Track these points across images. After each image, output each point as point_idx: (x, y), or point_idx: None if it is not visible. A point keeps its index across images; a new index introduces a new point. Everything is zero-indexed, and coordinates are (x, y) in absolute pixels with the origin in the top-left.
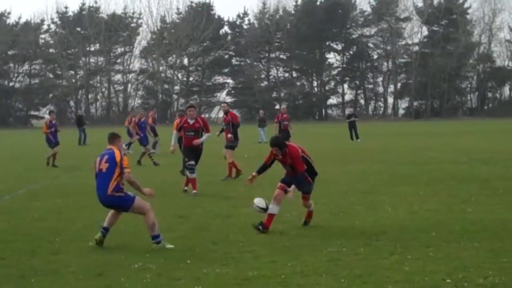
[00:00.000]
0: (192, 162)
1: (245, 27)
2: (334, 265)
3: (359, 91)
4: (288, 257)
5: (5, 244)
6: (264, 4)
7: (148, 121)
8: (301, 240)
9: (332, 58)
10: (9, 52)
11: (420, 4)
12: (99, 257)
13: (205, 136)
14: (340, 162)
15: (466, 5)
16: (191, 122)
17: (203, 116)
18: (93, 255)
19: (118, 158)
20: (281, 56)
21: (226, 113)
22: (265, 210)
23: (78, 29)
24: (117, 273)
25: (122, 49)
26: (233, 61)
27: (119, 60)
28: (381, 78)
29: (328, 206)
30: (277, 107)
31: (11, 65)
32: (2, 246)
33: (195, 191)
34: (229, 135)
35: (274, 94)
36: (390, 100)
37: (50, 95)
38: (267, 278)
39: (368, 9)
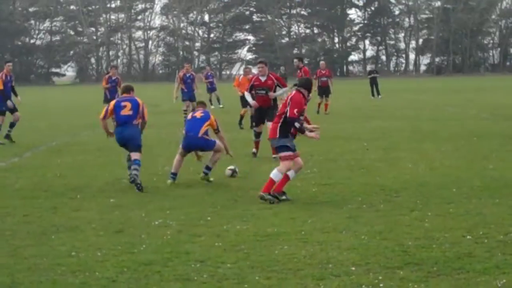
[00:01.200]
0: (257, 130)
1: None
2: (354, 222)
3: (380, 47)
4: (307, 214)
5: (26, 201)
6: None
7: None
8: (321, 197)
9: (354, 14)
10: (30, 9)
11: None
12: (120, 214)
13: (281, 90)
14: (361, 119)
15: None
16: (262, 79)
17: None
18: (114, 212)
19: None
20: (302, 12)
21: (300, 68)
22: (233, 171)
23: None
24: (138, 230)
25: (143, 5)
26: (254, 17)
27: (140, 17)
28: (402, 34)
29: (349, 162)
30: None
31: (32, 22)
32: (24, 202)
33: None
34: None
35: (295, 51)
36: (412, 56)
37: (71, 52)
38: (287, 234)
39: None
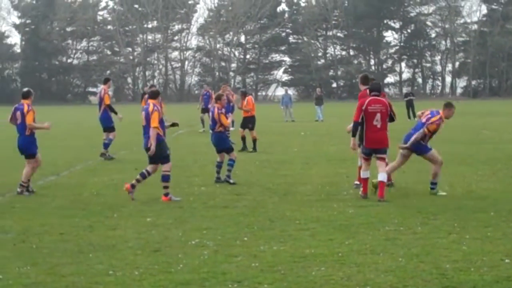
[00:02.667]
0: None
1: (302, 4)
2: (391, 244)
3: (416, 70)
4: (345, 235)
5: (63, 219)
6: None
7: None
8: (358, 218)
9: (390, 36)
10: (68, 29)
11: None
12: (157, 233)
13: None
14: (397, 141)
15: None
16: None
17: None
18: (151, 231)
19: None
20: (338, 34)
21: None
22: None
23: (136, 6)
24: (175, 250)
25: (180, 26)
26: (290, 38)
27: (176, 37)
28: (439, 57)
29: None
30: (334, 85)
31: (70, 41)
32: (60, 221)
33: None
34: None
35: (331, 72)
36: (448, 79)
37: (108, 71)
38: (324, 256)
39: None
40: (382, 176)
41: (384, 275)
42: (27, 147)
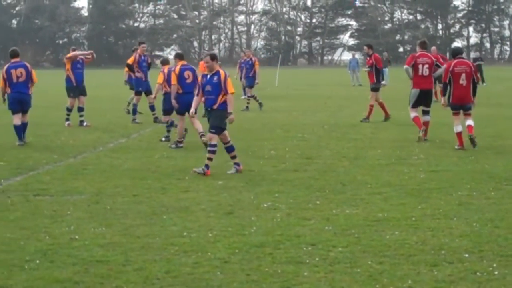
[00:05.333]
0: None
1: None
2: (464, 209)
3: (484, 35)
4: (417, 200)
5: (136, 181)
6: None
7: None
8: (430, 183)
9: (458, 0)
10: None
11: None
12: (229, 196)
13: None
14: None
15: None
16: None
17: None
18: (222, 193)
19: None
20: None
21: (370, 55)
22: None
23: None
24: (247, 212)
25: None
26: (357, 2)
27: (242, 1)
28: (507, 21)
29: (456, 150)
30: (401, 49)
31: (136, 5)
32: (133, 183)
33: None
34: (383, 82)
35: (398, 37)
36: None
37: (174, 35)
38: (397, 220)
39: None
40: (470, 122)
41: (459, 240)
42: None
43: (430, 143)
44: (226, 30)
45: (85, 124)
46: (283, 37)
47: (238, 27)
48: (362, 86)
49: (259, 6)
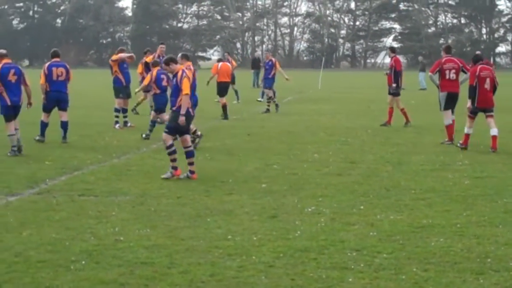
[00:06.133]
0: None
1: None
2: (510, 216)
3: None
4: (462, 207)
5: (179, 183)
6: None
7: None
8: (475, 190)
9: (503, 4)
10: None
11: None
12: (272, 200)
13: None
14: (510, 111)
15: None
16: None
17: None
18: (266, 197)
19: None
20: (449, 1)
21: (391, 58)
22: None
23: None
24: (291, 216)
25: None
26: (401, 6)
27: (286, 3)
28: None
29: (501, 156)
30: None
31: (180, 6)
32: (177, 184)
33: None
34: (393, 84)
35: (441, 41)
36: None
37: (217, 36)
38: (442, 227)
39: None
40: (494, 131)
41: (504, 248)
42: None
43: (474, 149)
44: (269, 32)
45: (129, 124)
46: (326, 40)
47: (281, 29)
48: (405, 90)
49: (303, 8)
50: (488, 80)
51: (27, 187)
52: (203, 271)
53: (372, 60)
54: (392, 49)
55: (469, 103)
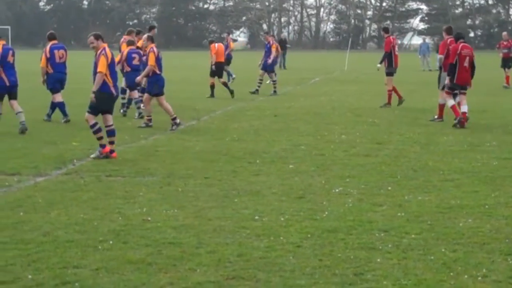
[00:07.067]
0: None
1: None
2: None
3: None
4: (490, 188)
5: (207, 163)
6: None
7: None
8: (503, 170)
9: None
10: None
11: None
12: (300, 180)
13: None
14: None
15: None
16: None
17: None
18: (294, 178)
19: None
20: None
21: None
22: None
23: None
24: (319, 197)
25: None
26: None
27: None
28: None
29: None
30: (472, 34)
31: None
32: (204, 165)
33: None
34: (378, 65)
35: (469, 21)
36: None
37: (243, 18)
38: (470, 207)
39: None
40: (465, 108)
41: None
42: None
43: (502, 129)
44: (296, 13)
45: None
46: (352, 21)
47: (308, 10)
48: (432, 71)
49: None
50: (467, 59)
51: (54, 167)
52: (230, 251)
53: (399, 41)
54: (385, 29)
55: (447, 80)
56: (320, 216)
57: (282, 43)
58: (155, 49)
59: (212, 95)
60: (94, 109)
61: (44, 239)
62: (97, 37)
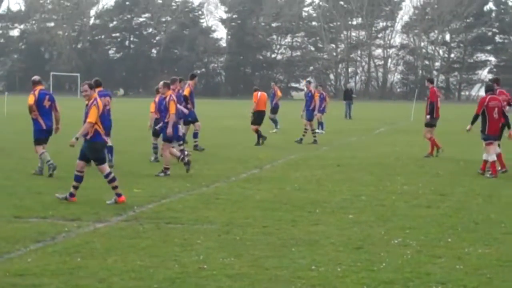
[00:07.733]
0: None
1: (510, 3)
2: None
3: None
4: None
5: (267, 212)
6: None
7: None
8: None
9: None
10: (273, 25)
11: None
12: (359, 231)
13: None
14: None
15: None
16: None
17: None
18: (353, 228)
19: None
20: None
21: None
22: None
23: (341, 2)
24: (377, 248)
25: (384, 23)
26: (496, 38)
27: (380, 35)
28: None
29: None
30: None
31: (274, 37)
32: (263, 214)
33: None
34: (427, 116)
35: None
36: None
37: (311, 67)
38: None
39: None
40: (493, 157)
41: None
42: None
43: None
44: (363, 63)
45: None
46: (420, 72)
47: (375, 60)
48: None
49: (397, 40)
50: (496, 110)
51: (115, 214)
52: None
53: (467, 93)
54: (430, 80)
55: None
56: (377, 267)
57: (348, 93)
58: (174, 96)
59: (258, 141)
60: (101, 160)
61: (99, 286)
62: (91, 87)
